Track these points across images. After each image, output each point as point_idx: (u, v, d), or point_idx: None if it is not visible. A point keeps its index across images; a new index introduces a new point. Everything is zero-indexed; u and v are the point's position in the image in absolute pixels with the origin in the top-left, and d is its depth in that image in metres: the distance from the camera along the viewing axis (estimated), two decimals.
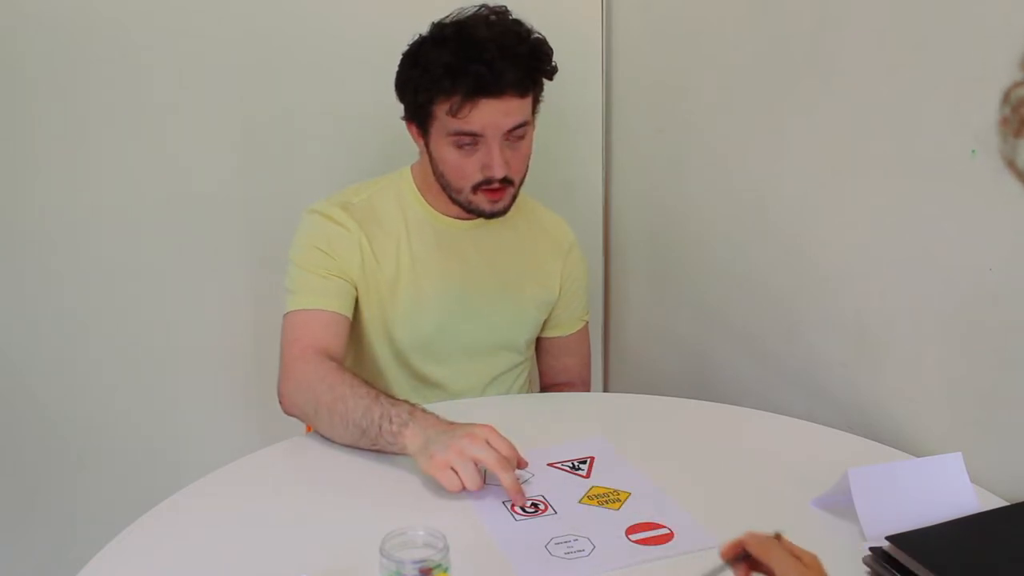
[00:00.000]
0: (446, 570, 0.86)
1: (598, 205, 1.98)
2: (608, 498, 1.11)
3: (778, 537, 0.80)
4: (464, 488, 1.09)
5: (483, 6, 1.37)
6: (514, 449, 1.12)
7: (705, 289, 1.70)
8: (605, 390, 2.08)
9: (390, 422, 1.17)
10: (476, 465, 1.10)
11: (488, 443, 1.10)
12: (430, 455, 1.11)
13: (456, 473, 1.09)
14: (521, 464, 1.14)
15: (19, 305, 1.76)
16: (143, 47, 1.69)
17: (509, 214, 1.47)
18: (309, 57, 1.77)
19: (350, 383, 1.24)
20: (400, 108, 1.42)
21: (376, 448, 1.20)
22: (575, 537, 1.02)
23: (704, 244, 1.68)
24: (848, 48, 1.29)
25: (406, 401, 1.22)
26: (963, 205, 1.13)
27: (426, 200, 1.48)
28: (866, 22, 1.25)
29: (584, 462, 1.20)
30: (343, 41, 1.76)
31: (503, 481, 1.09)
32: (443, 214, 1.48)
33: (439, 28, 1.36)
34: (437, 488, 1.13)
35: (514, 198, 1.43)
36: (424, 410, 1.19)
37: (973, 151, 1.09)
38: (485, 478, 1.12)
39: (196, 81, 1.73)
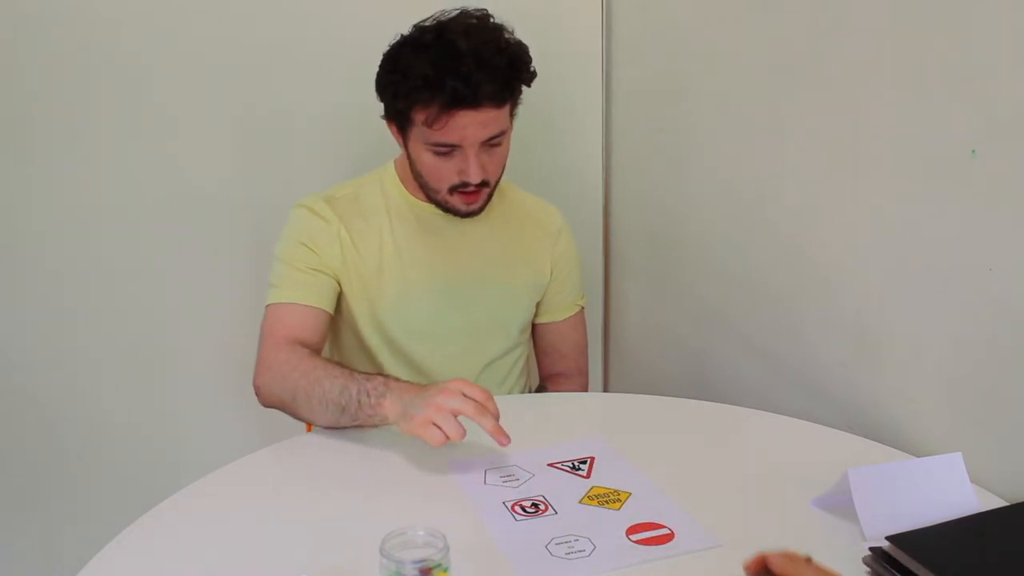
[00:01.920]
0: (446, 570, 0.86)
1: (598, 205, 1.98)
2: (608, 498, 1.11)
3: (808, 560, 0.78)
4: (448, 440, 1.11)
5: (463, 10, 1.38)
6: (489, 394, 1.15)
7: (705, 289, 1.70)
8: (605, 390, 2.08)
9: (368, 396, 1.21)
10: (456, 417, 1.12)
11: (463, 394, 1.13)
12: (410, 417, 1.15)
13: (439, 428, 1.12)
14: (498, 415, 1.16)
15: (19, 305, 1.76)
16: (143, 48, 1.70)
17: (494, 201, 1.50)
18: (310, 57, 1.77)
19: (323, 366, 1.29)
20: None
21: (357, 424, 1.25)
22: (575, 537, 1.02)
23: (704, 244, 1.68)
24: (848, 48, 1.28)
25: (380, 374, 1.27)
26: (963, 205, 1.13)
27: (408, 191, 1.50)
28: (866, 22, 1.25)
29: (584, 462, 1.20)
30: (343, 41, 1.76)
31: (484, 426, 1.12)
32: (425, 202, 1.49)
33: (419, 32, 1.36)
34: (437, 488, 1.13)
35: (489, 197, 1.46)
36: (398, 379, 1.24)
37: (973, 151, 1.09)
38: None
39: (196, 81, 1.74)
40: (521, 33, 1.41)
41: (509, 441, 1.13)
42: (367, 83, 1.42)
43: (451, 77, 1.30)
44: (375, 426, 1.25)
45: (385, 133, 1.47)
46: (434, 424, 1.12)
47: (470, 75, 1.30)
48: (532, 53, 1.41)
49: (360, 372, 1.27)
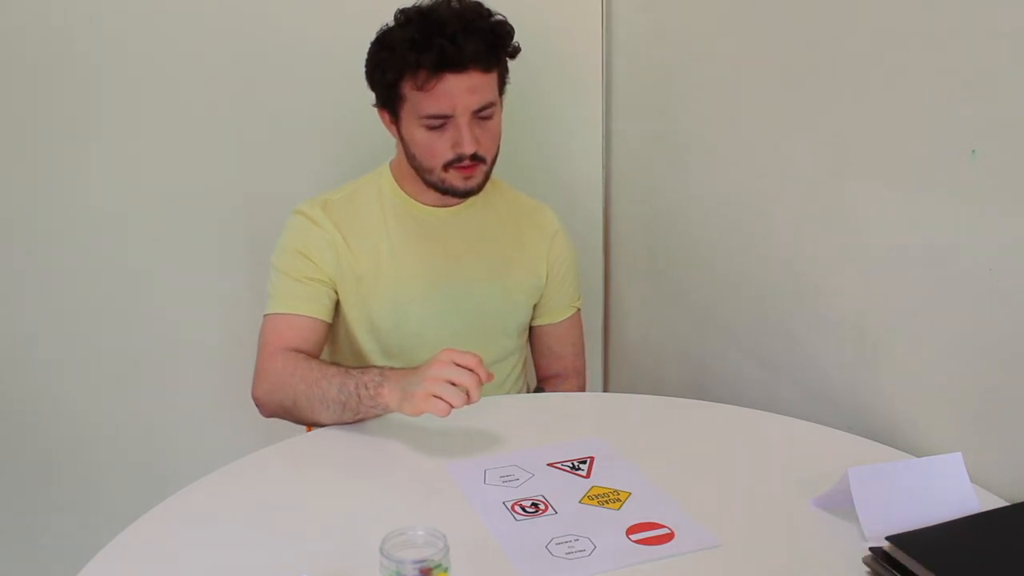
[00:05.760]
0: (446, 570, 0.86)
1: (598, 205, 1.98)
2: (608, 498, 1.11)
3: None
4: (452, 408, 1.14)
5: None
6: (479, 359, 1.17)
7: (705, 289, 1.70)
8: (605, 390, 2.08)
9: (366, 388, 1.23)
10: (454, 385, 1.15)
11: (455, 363, 1.16)
12: (411, 396, 1.17)
13: (440, 398, 1.14)
14: (490, 378, 1.19)
15: (18, 305, 1.76)
16: (144, 49, 1.70)
17: (490, 199, 1.51)
18: (310, 59, 1.77)
19: (318, 367, 1.31)
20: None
21: (359, 417, 1.27)
22: (575, 537, 1.02)
23: (704, 244, 1.68)
24: (848, 49, 1.28)
25: (373, 366, 1.30)
26: (963, 205, 1.13)
27: (404, 190, 1.50)
28: (866, 23, 1.25)
29: (584, 462, 1.20)
30: (343, 43, 1.75)
31: (471, 397, 1.15)
32: (422, 203, 1.49)
33: (403, 12, 1.40)
34: (437, 488, 1.13)
35: (487, 176, 1.45)
36: (392, 368, 1.26)
37: (973, 151, 1.09)
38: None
39: (195, 83, 1.74)
40: (521, 33, 1.42)
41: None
42: (365, 85, 1.42)
43: (438, 37, 1.33)
44: (377, 416, 1.27)
45: (383, 135, 1.47)
46: (435, 396, 1.14)
47: (456, 35, 1.33)
48: (532, 53, 1.41)
49: (354, 367, 1.29)
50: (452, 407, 1.14)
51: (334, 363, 1.33)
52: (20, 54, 1.65)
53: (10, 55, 1.65)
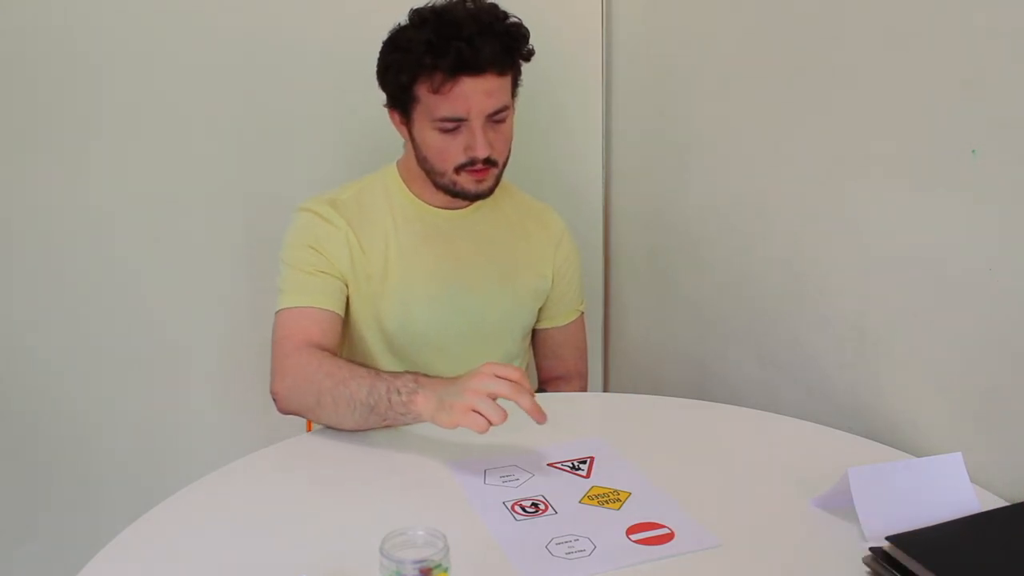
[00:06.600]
0: (446, 570, 0.86)
1: (598, 207, 1.98)
2: (608, 498, 1.11)
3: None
4: (490, 426, 1.10)
5: None
6: (522, 372, 1.14)
7: (705, 289, 1.69)
8: (605, 390, 2.08)
9: (398, 393, 1.19)
10: (495, 400, 1.11)
11: (496, 375, 1.12)
12: (448, 407, 1.13)
13: (480, 413, 1.10)
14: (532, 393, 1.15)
15: (18, 305, 1.76)
16: (146, 48, 1.70)
17: (497, 202, 1.50)
18: (310, 59, 1.77)
19: (347, 366, 1.27)
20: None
21: (386, 423, 1.23)
22: (575, 537, 1.02)
23: (704, 244, 1.68)
24: (848, 50, 1.29)
25: (407, 371, 1.24)
26: (963, 205, 1.13)
27: (412, 191, 1.49)
28: (866, 23, 1.25)
29: (584, 462, 1.20)
30: (343, 43, 1.76)
31: (522, 404, 1.11)
32: (430, 204, 1.49)
33: (417, 13, 1.38)
34: (437, 488, 1.13)
35: (498, 180, 1.44)
36: (427, 375, 1.22)
37: (973, 151, 1.09)
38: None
39: (198, 82, 1.74)
40: None
41: (545, 419, 1.12)
42: (369, 83, 1.42)
43: (455, 40, 1.31)
44: (405, 424, 1.23)
45: (384, 135, 1.47)
46: (474, 410, 1.10)
47: (473, 38, 1.31)
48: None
49: (386, 372, 1.25)
50: (491, 424, 1.10)
51: (362, 364, 1.29)
52: (20, 54, 1.65)
53: (10, 55, 1.65)
